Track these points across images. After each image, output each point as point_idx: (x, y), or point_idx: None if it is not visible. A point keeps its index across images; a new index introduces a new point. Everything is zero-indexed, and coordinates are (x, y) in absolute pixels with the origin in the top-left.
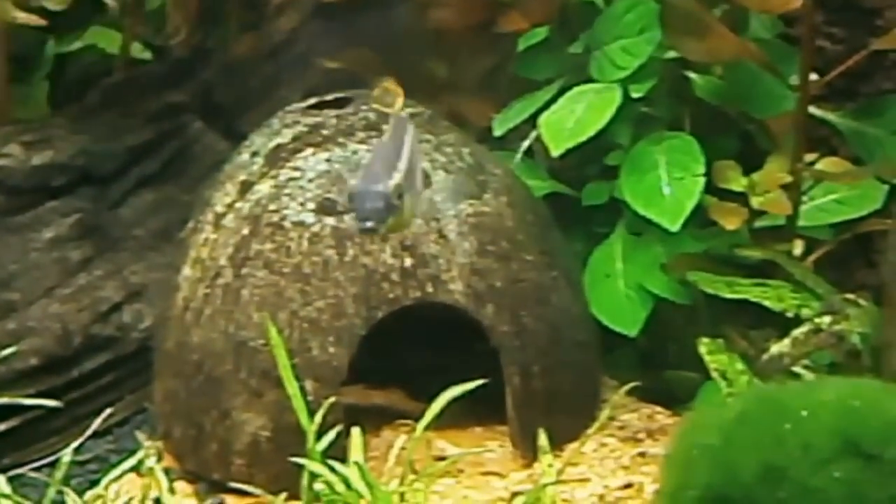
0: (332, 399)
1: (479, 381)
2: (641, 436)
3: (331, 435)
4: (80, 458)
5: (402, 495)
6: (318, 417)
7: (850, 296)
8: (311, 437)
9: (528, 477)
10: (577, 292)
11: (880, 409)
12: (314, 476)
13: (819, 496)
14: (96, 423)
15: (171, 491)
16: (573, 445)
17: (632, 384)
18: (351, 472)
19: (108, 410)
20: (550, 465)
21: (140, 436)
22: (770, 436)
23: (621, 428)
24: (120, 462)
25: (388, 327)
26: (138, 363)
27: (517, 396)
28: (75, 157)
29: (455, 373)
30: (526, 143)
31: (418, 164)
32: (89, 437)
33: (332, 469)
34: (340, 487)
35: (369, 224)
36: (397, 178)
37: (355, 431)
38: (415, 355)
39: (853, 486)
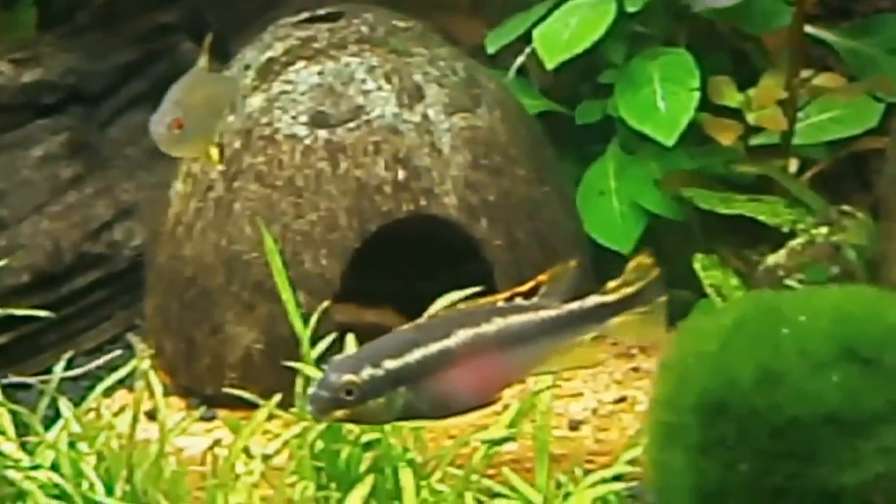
0: (326, 303)
1: (472, 290)
2: (634, 351)
3: (325, 343)
4: (72, 374)
5: None
6: (313, 322)
7: (847, 208)
8: (305, 343)
9: (521, 392)
10: (569, 208)
11: (878, 314)
12: (308, 382)
13: (816, 400)
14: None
15: (166, 390)
16: None
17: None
18: None
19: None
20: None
21: (133, 338)
22: (767, 341)
23: (614, 344)
24: (114, 371)
25: (381, 248)
26: (129, 281)
27: None
28: (65, 75)
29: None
30: (519, 60)
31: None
32: (80, 354)
33: None
34: None
35: (309, 408)
36: (366, 374)
37: (350, 337)
38: (406, 278)
39: (850, 391)
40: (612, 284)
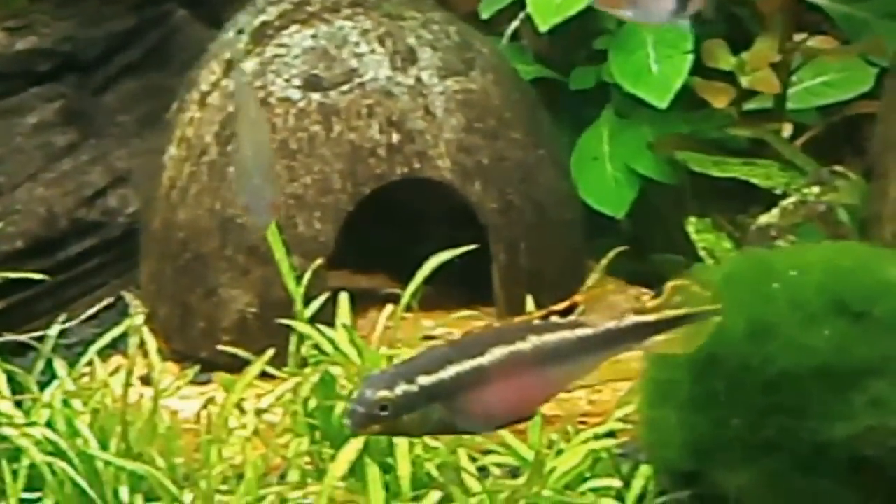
0: (319, 261)
1: (467, 247)
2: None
3: (318, 302)
4: (66, 341)
5: (390, 359)
6: (306, 279)
7: (839, 168)
8: (298, 301)
9: None
10: (562, 172)
11: (869, 268)
12: (302, 340)
13: (807, 352)
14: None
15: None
16: None
17: (617, 249)
18: (339, 335)
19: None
20: None
21: (127, 296)
22: (759, 295)
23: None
24: (108, 331)
25: (375, 211)
26: (124, 248)
27: (503, 273)
28: (59, 42)
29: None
30: (513, 25)
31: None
32: (74, 321)
33: (320, 332)
34: (329, 348)
35: (346, 422)
36: (400, 390)
37: (343, 296)
38: (400, 241)
39: (841, 343)
40: (651, 304)
